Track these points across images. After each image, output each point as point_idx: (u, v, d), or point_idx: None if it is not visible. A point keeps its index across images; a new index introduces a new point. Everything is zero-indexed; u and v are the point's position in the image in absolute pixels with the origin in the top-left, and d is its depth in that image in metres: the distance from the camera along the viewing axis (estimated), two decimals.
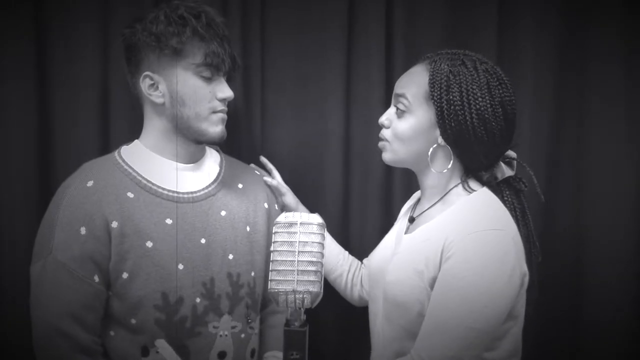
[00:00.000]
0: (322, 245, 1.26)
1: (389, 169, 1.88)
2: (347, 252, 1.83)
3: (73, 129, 1.79)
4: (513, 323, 1.44)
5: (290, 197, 1.78)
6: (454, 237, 1.38)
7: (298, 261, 1.23)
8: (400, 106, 1.49)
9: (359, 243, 1.90)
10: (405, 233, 1.57)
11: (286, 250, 1.24)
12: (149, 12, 1.56)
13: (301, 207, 1.80)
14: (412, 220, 1.58)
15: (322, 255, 1.26)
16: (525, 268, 1.43)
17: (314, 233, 1.26)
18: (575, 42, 1.93)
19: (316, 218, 1.28)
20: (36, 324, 1.49)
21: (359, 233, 1.92)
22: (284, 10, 1.87)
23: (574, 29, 1.92)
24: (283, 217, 1.28)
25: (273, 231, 1.27)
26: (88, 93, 1.79)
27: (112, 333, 1.53)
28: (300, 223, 1.26)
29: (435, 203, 1.51)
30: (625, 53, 1.90)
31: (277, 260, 1.25)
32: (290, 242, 1.25)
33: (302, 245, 1.24)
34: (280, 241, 1.26)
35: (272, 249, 1.26)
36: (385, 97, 1.87)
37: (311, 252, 1.24)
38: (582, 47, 1.93)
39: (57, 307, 1.47)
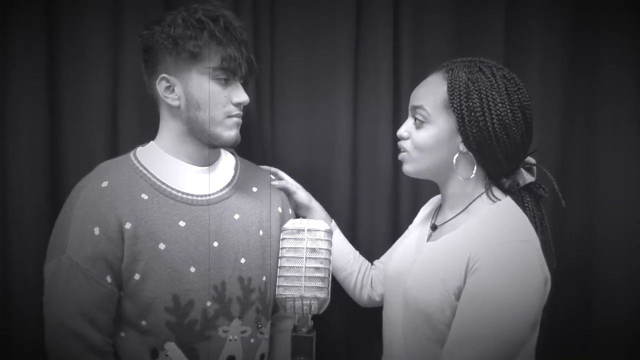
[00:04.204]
0: (329, 251, 1.27)
1: (396, 172, 1.88)
2: (357, 252, 1.83)
3: (83, 129, 1.80)
4: (532, 333, 1.43)
5: (301, 194, 1.77)
6: (480, 249, 1.38)
7: (305, 267, 1.24)
8: (419, 117, 1.49)
9: (368, 246, 1.90)
10: (427, 240, 1.56)
11: (293, 257, 1.25)
12: (167, 14, 1.56)
13: (314, 202, 1.78)
14: (434, 228, 1.57)
15: (330, 261, 1.27)
16: (548, 274, 1.42)
17: (321, 239, 1.26)
18: (583, 42, 1.92)
19: (323, 224, 1.29)
20: (48, 323, 1.50)
21: (367, 236, 1.92)
22: (293, 16, 1.87)
23: (581, 29, 1.92)
24: (290, 224, 1.29)
25: (281, 237, 1.27)
26: (98, 93, 1.80)
27: (122, 334, 1.53)
28: (308, 230, 1.27)
29: (459, 213, 1.51)
30: (634, 53, 1.90)
31: (284, 267, 1.26)
32: (298, 248, 1.25)
33: (310, 251, 1.25)
34: (288, 247, 1.27)
35: (279, 255, 1.26)
36: (393, 100, 1.89)
37: (318, 258, 1.25)
38: (590, 48, 1.92)
39: (69, 306, 1.47)
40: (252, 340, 1.59)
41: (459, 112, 1.44)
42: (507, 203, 1.49)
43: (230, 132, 1.57)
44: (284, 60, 1.89)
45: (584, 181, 1.96)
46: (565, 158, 1.95)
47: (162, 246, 1.51)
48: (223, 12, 1.55)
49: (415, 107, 1.50)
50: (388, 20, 1.87)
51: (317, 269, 1.24)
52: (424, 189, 1.87)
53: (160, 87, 1.55)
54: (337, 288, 1.78)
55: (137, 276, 1.50)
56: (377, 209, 1.91)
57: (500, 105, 1.43)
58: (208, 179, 1.61)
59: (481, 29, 1.90)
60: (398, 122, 1.84)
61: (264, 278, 1.63)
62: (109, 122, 1.81)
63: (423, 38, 1.89)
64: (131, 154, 1.60)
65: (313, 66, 1.89)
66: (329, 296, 1.25)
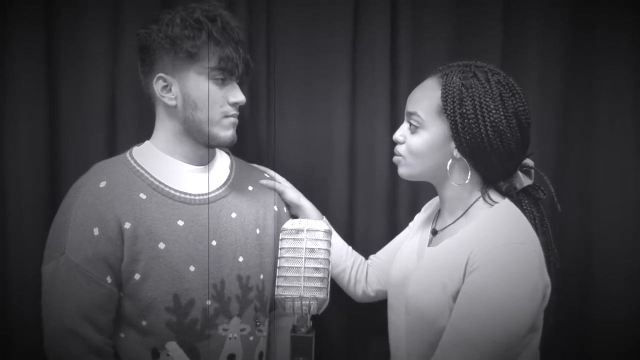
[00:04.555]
0: (328, 252, 1.27)
1: (394, 173, 1.86)
2: (350, 248, 1.82)
3: (82, 129, 1.80)
4: (533, 335, 1.43)
5: (290, 193, 1.76)
6: (478, 251, 1.38)
7: (304, 267, 1.24)
8: (414, 122, 1.49)
9: (365, 246, 1.89)
10: (428, 246, 1.56)
11: (293, 257, 1.25)
12: (164, 13, 1.56)
13: (303, 200, 1.77)
14: (435, 232, 1.57)
15: (329, 261, 1.27)
16: (548, 280, 1.42)
17: (321, 240, 1.26)
18: (582, 42, 1.92)
19: (322, 225, 1.29)
20: (48, 325, 1.49)
21: (364, 236, 1.91)
22: (290, 14, 1.87)
23: (581, 29, 1.91)
24: (290, 224, 1.29)
25: (280, 237, 1.27)
26: (97, 93, 1.79)
27: (122, 335, 1.53)
28: (307, 230, 1.27)
29: (458, 218, 1.51)
30: (634, 53, 1.89)
31: (283, 267, 1.26)
32: (297, 248, 1.25)
33: (309, 252, 1.25)
34: (287, 247, 1.26)
35: (278, 255, 1.26)
36: (391, 100, 1.88)
37: (317, 258, 1.25)
38: (590, 48, 1.92)
39: (69, 307, 1.47)
40: (251, 338, 1.59)
41: (452, 118, 1.44)
42: (506, 205, 1.48)
43: (227, 132, 1.57)
44: (281, 61, 1.88)
45: (583, 181, 1.96)
46: (564, 158, 1.94)
47: (161, 246, 1.51)
48: (220, 12, 1.55)
49: (410, 113, 1.50)
50: (386, 21, 1.86)
51: (316, 269, 1.24)
52: (421, 190, 1.87)
53: (157, 86, 1.54)
54: (336, 288, 1.78)
55: (137, 276, 1.50)
56: (374, 210, 1.91)
57: (494, 111, 1.42)
58: (207, 178, 1.61)
59: (480, 29, 1.89)
60: (395, 122, 1.83)
61: (262, 276, 1.63)
62: (108, 122, 1.80)
63: (421, 38, 1.89)
64: (127, 154, 1.60)
65: (310, 66, 1.89)
66: (328, 296, 1.25)
